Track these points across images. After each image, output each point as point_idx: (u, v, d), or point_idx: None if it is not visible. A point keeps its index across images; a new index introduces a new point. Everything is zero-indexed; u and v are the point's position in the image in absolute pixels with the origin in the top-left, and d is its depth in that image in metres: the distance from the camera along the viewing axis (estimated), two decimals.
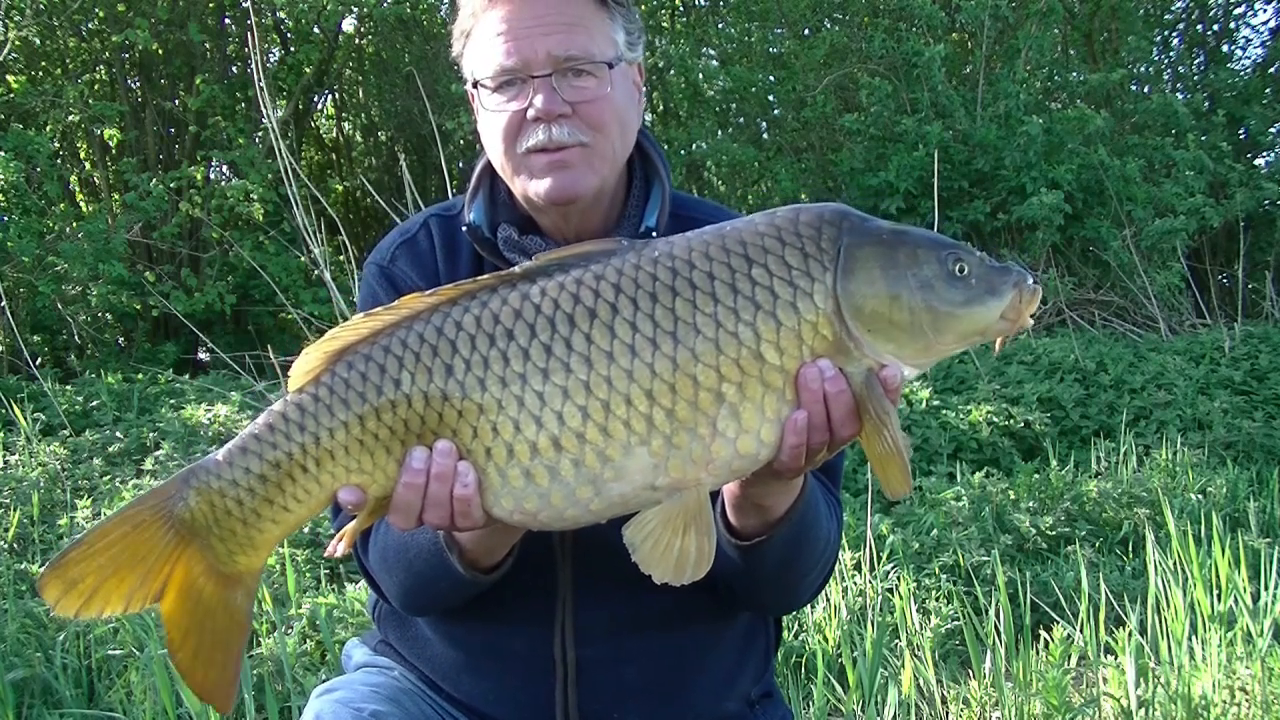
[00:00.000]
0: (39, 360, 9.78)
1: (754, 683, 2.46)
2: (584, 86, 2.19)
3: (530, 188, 2.22)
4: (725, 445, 1.78)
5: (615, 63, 2.22)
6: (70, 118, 11.27)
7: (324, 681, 2.55)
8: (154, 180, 10.70)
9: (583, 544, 2.21)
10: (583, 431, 1.77)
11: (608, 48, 2.22)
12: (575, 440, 1.77)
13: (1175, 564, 4.83)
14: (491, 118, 2.23)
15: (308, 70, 12.80)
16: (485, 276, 1.88)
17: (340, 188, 14.46)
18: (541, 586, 2.26)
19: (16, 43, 11.47)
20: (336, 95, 14.85)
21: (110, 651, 4.59)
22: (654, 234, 2.27)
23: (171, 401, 8.52)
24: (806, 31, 13.96)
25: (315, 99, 14.37)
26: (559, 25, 2.17)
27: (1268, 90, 14.59)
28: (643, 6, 14.02)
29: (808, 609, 4.84)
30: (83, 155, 12.70)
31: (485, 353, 1.80)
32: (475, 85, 2.24)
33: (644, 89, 2.39)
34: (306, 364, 1.89)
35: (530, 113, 2.17)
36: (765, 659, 2.50)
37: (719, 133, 13.72)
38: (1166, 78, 15.59)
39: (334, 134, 15.14)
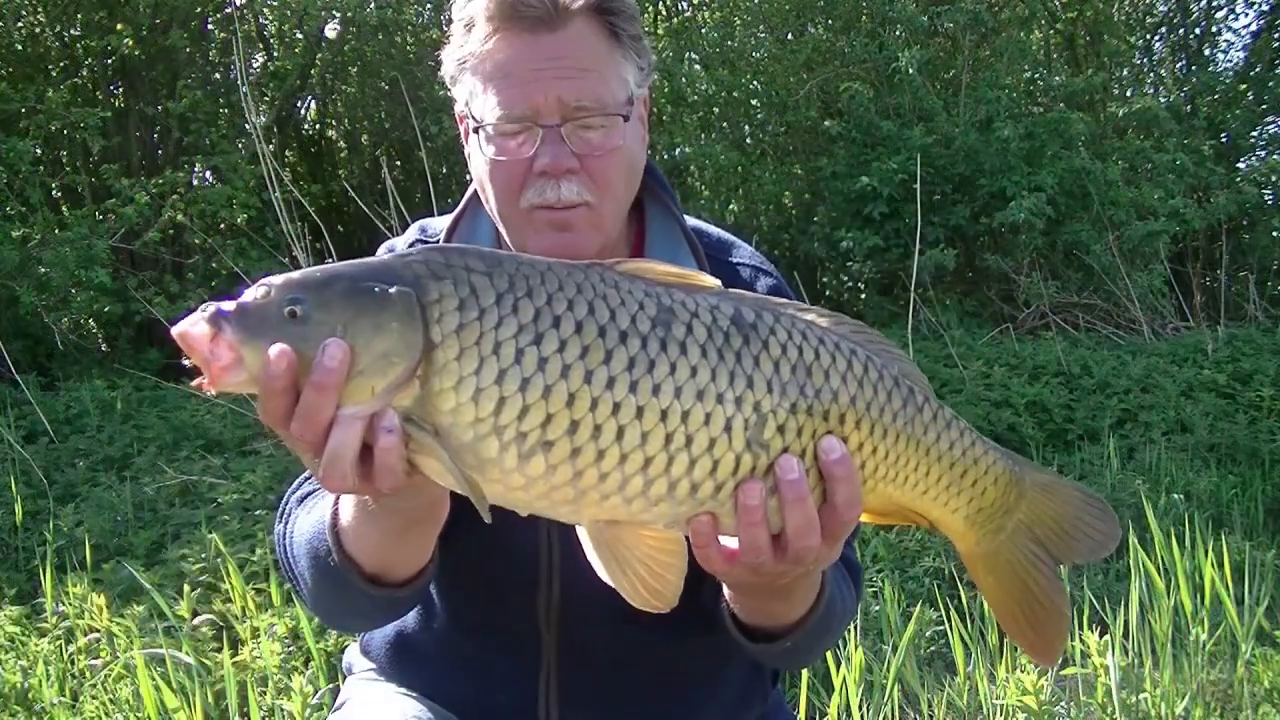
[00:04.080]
0: (21, 367, 9.72)
1: (758, 708, 2.41)
2: (593, 139, 2.01)
3: (530, 243, 2.06)
4: None
5: (628, 114, 2.05)
6: (52, 125, 11.23)
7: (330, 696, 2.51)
8: (135, 186, 10.67)
9: (568, 613, 2.15)
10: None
11: (620, 90, 2.04)
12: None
13: (1159, 566, 4.84)
14: (490, 163, 2.06)
15: (289, 69, 12.79)
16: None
17: (323, 193, 14.40)
18: (523, 657, 2.21)
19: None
20: (319, 101, 14.82)
21: (91, 662, 4.57)
22: None
23: (155, 408, 8.50)
24: (789, 36, 13.99)
25: (298, 104, 14.35)
26: (572, 70, 1.99)
27: (1249, 94, 14.65)
28: None
29: None
30: (65, 162, 12.65)
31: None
32: (477, 128, 2.06)
33: (649, 120, 2.25)
34: None
35: (537, 165, 2.00)
36: (765, 693, 2.43)
37: (702, 137, 13.73)
38: (1149, 81, 15.66)
39: (317, 139, 15.10)
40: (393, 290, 1.50)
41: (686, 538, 1.65)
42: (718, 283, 1.67)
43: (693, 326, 1.59)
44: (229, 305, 1.49)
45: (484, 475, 1.53)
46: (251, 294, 1.50)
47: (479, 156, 2.08)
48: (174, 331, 1.49)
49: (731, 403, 1.59)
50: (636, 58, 2.09)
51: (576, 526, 1.64)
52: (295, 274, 1.53)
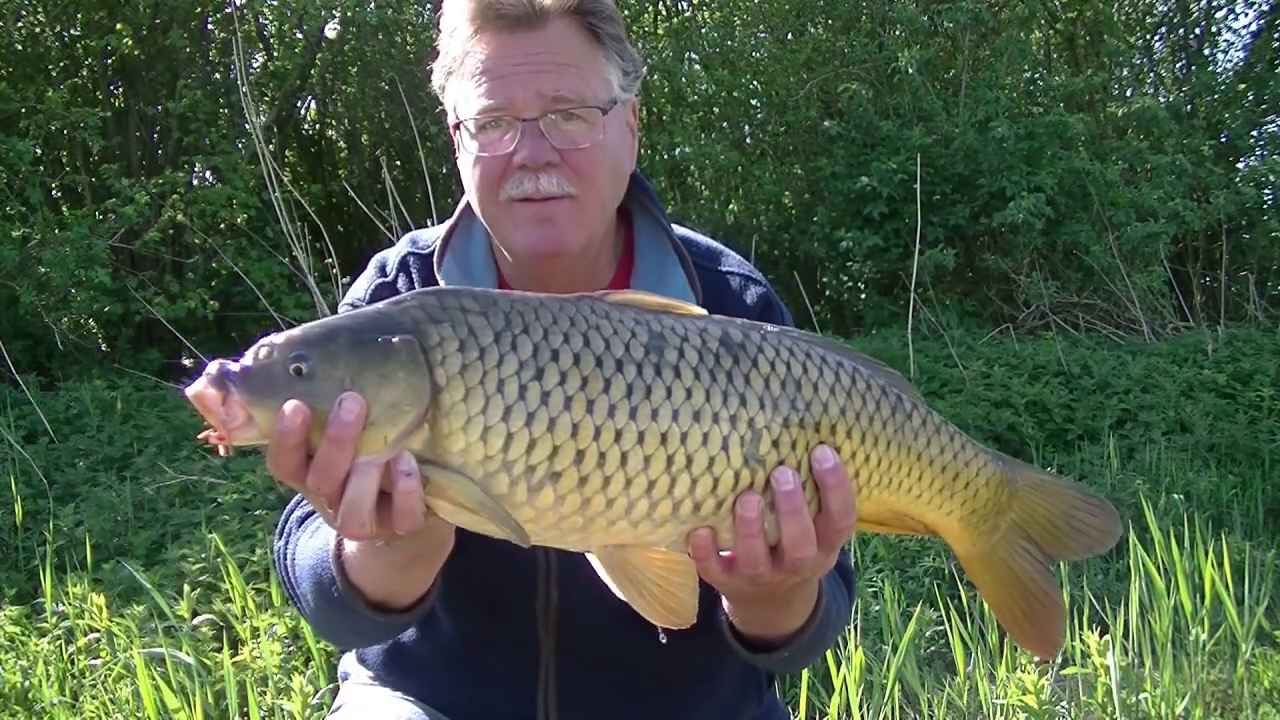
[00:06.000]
0: (21, 367, 9.73)
1: (754, 710, 2.41)
2: (574, 132, 2.02)
3: (513, 239, 2.08)
4: None
5: (609, 107, 2.05)
6: (52, 125, 11.23)
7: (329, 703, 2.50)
8: (135, 186, 10.67)
9: (566, 618, 2.16)
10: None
11: (602, 90, 2.05)
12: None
13: (1159, 566, 4.84)
14: (473, 160, 2.07)
15: (289, 69, 12.79)
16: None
17: (323, 193, 14.43)
18: (522, 662, 2.21)
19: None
20: (319, 101, 14.83)
21: (91, 662, 4.57)
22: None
23: (155, 408, 8.51)
24: (789, 36, 14.00)
25: (298, 104, 14.35)
26: (550, 64, 2.00)
27: (1249, 94, 14.66)
28: (625, 11, 14.03)
29: None
30: (65, 162, 12.66)
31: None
32: (457, 126, 2.08)
33: (638, 129, 2.24)
34: None
35: (516, 159, 2.01)
36: (761, 694, 2.43)
37: (702, 137, 13.74)
38: (1149, 81, 15.67)
39: (317, 139, 15.11)
40: (395, 339, 1.51)
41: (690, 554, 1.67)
42: (703, 311, 1.69)
43: (684, 350, 1.62)
44: (234, 366, 1.50)
45: None
46: (253, 354, 1.51)
47: (464, 155, 2.10)
48: (188, 393, 1.50)
49: (727, 421, 1.62)
50: (620, 60, 2.10)
51: (587, 553, 1.66)
52: (295, 331, 1.54)
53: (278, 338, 1.53)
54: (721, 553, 1.67)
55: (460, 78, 2.08)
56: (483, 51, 2.03)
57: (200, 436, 1.54)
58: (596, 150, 2.04)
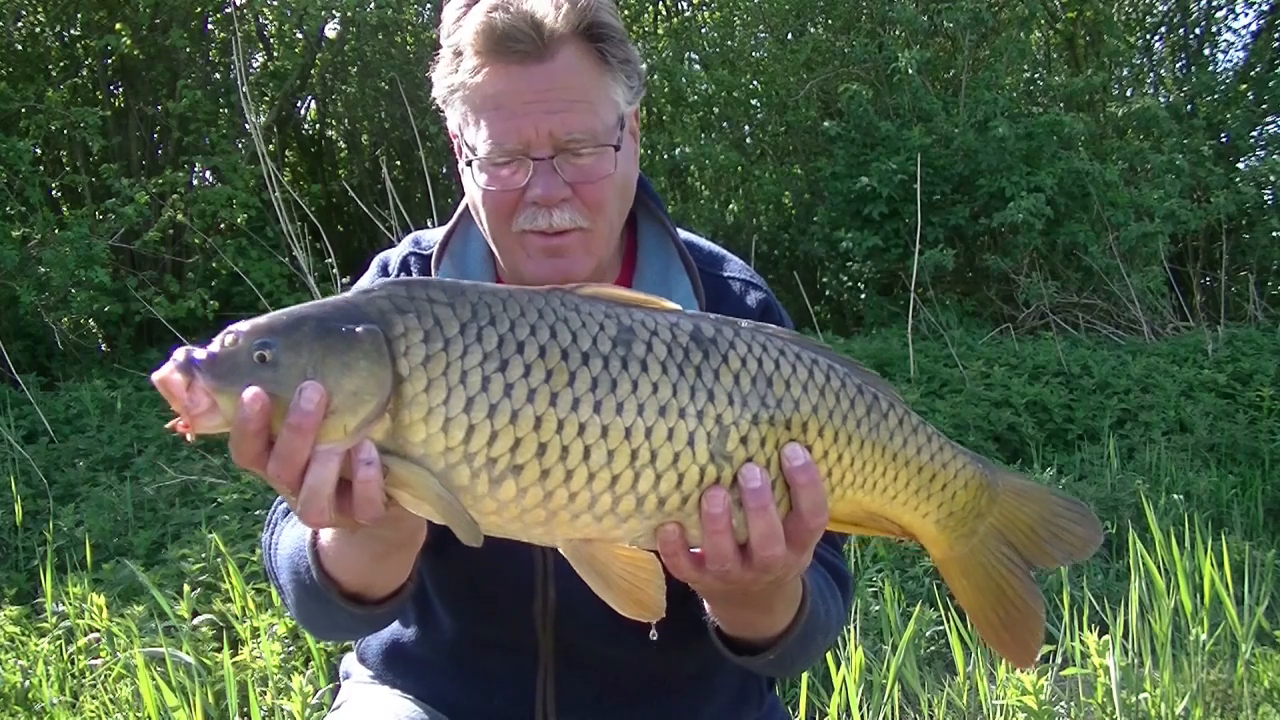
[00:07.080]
0: (21, 367, 9.73)
1: (755, 712, 2.41)
2: (586, 165, 2.01)
3: (525, 268, 2.07)
4: None
5: (619, 144, 2.04)
6: (52, 125, 11.23)
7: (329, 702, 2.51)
8: (135, 186, 10.67)
9: (564, 619, 2.17)
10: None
11: (610, 114, 2.04)
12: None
13: (1159, 566, 4.84)
14: (482, 192, 2.06)
15: (289, 69, 12.79)
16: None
17: (322, 192, 14.44)
18: (520, 663, 2.21)
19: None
20: (319, 101, 14.83)
21: (91, 662, 4.57)
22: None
23: (155, 408, 8.50)
24: (789, 36, 14.00)
25: (298, 104, 14.35)
26: (562, 102, 1.98)
27: (1249, 94, 14.67)
28: (625, 12, 14.03)
29: None
30: (65, 161, 12.67)
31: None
32: (469, 161, 2.05)
33: (639, 135, 2.23)
34: None
35: (529, 195, 2.00)
36: (761, 696, 2.43)
37: (702, 137, 13.74)
38: (1149, 81, 15.67)
39: (317, 139, 15.11)
40: (359, 329, 1.52)
41: (656, 551, 1.66)
42: (678, 306, 1.69)
43: (652, 344, 1.61)
44: (200, 353, 1.52)
45: None
46: (220, 341, 1.52)
47: (469, 181, 2.09)
48: (153, 378, 1.51)
49: (693, 417, 1.61)
50: (626, 79, 2.09)
51: (555, 546, 1.66)
52: (262, 319, 1.55)
53: (244, 325, 1.54)
54: (691, 549, 1.67)
55: (468, 106, 2.04)
56: (492, 86, 1.99)
57: (168, 427, 1.55)
58: (607, 182, 2.04)
